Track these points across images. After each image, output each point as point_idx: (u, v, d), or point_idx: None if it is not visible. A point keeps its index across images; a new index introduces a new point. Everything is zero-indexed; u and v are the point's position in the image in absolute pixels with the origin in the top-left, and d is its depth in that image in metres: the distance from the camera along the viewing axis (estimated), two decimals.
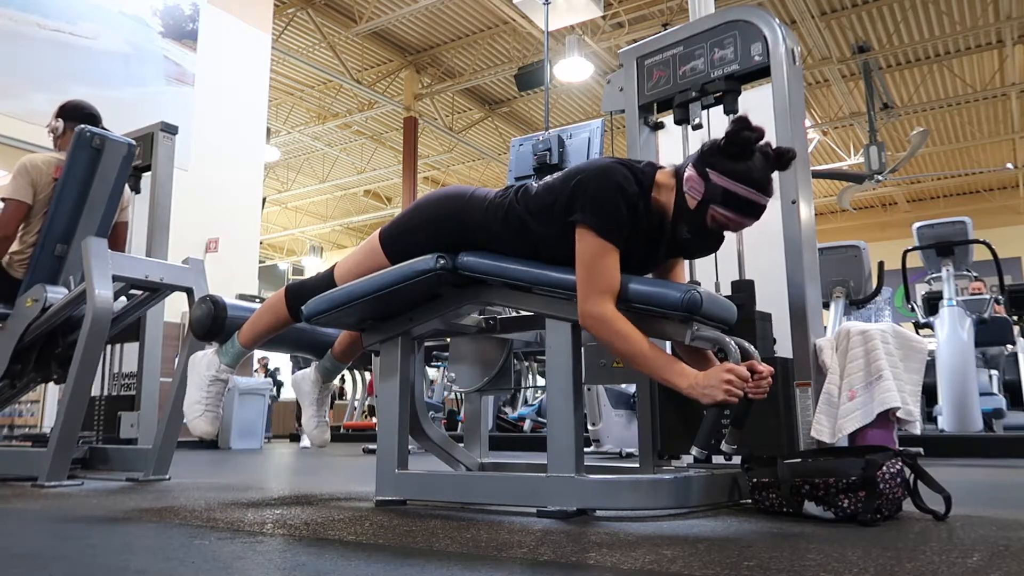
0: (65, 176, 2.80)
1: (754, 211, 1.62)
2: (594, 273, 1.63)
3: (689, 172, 1.64)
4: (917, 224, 5.25)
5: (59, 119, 3.07)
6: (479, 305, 1.96)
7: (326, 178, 15.58)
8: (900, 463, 1.59)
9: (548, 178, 1.80)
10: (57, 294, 2.76)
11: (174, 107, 6.79)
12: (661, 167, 1.75)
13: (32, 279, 2.82)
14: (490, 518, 1.67)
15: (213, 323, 2.13)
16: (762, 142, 1.61)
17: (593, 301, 1.63)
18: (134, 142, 2.98)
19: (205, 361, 2.12)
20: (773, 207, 1.82)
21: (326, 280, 1.99)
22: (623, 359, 1.67)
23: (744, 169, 1.59)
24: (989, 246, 4.93)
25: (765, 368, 1.63)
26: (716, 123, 2.45)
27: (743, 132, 1.59)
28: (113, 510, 1.85)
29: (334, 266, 2.02)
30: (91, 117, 3.03)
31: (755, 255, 2.39)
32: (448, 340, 2.66)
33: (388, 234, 1.93)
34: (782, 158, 1.62)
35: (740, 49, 2.27)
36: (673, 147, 2.52)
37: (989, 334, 5.57)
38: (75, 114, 3.05)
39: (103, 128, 2.93)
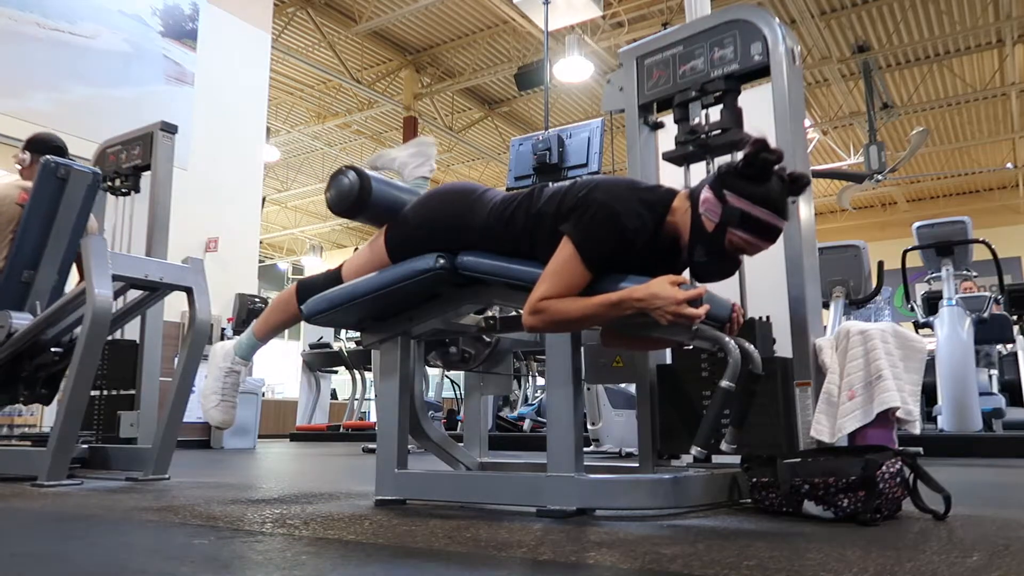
0: (31, 205, 2.86)
1: (771, 234, 1.59)
2: (557, 276, 1.63)
3: (706, 194, 1.61)
4: (917, 224, 5.25)
5: (26, 151, 3.17)
6: (479, 305, 1.96)
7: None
8: (900, 463, 1.59)
9: (564, 183, 1.80)
10: (23, 320, 2.81)
11: (174, 106, 6.78)
12: (678, 191, 1.73)
13: None
14: (490, 518, 1.67)
15: (357, 200, 1.89)
16: (779, 165, 1.58)
17: (540, 293, 1.63)
18: (99, 171, 3.05)
19: (222, 353, 2.14)
20: None
21: (334, 277, 1.99)
22: (584, 325, 1.67)
23: (762, 192, 1.56)
24: (989, 246, 4.93)
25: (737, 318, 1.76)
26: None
27: (762, 154, 1.55)
28: (113, 510, 1.85)
29: (343, 263, 2.02)
30: (58, 150, 3.12)
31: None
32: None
33: (391, 231, 1.93)
34: (797, 183, 1.59)
35: (740, 49, 2.27)
36: (673, 147, 2.52)
37: (989, 333, 5.57)
38: (42, 146, 3.13)
39: (69, 159, 3.00)
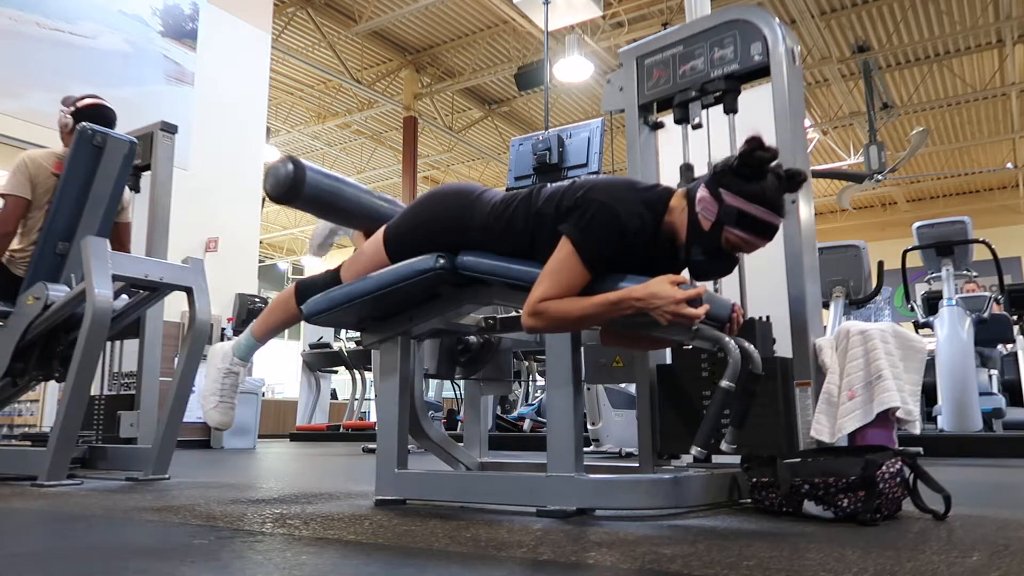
0: (67, 173, 2.80)
1: (768, 232, 1.60)
2: (556, 276, 1.62)
3: (702, 193, 1.61)
4: (917, 224, 5.25)
5: (71, 116, 3.03)
6: (479, 305, 1.95)
7: None
8: (900, 463, 1.59)
9: (563, 183, 1.80)
10: (59, 292, 2.75)
11: (174, 106, 6.79)
12: (675, 190, 1.73)
13: (34, 277, 2.82)
14: (490, 518, 1.67)
15: (291, 188, 1.93)
16: (774, 163, 1.58)
17: (539, 294, 1.62)
18: (136, 140, 2.98)
19: (220, 354, 2.14)
20: None
21: (333, 278, 1.99)
22: (583, 325, 1.67)
23: (758, 190, 1.57)
24: (989, 246, 4.93)
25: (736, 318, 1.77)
26: (716, 123, 2.45)
27: (757, 152, 1.55)
28: (113, 509, 1.85)
29: (343, 263, 2.02)
30: (105, 120, 3.00)
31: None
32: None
33: (390, 232, 1.93)
34: (793, 179, 1.59)
35: (740, 49, 2.27)
36: (673, 147, 2.52)
37: (989, 333, 5.57)
38: (88, 115, 2.99)
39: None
